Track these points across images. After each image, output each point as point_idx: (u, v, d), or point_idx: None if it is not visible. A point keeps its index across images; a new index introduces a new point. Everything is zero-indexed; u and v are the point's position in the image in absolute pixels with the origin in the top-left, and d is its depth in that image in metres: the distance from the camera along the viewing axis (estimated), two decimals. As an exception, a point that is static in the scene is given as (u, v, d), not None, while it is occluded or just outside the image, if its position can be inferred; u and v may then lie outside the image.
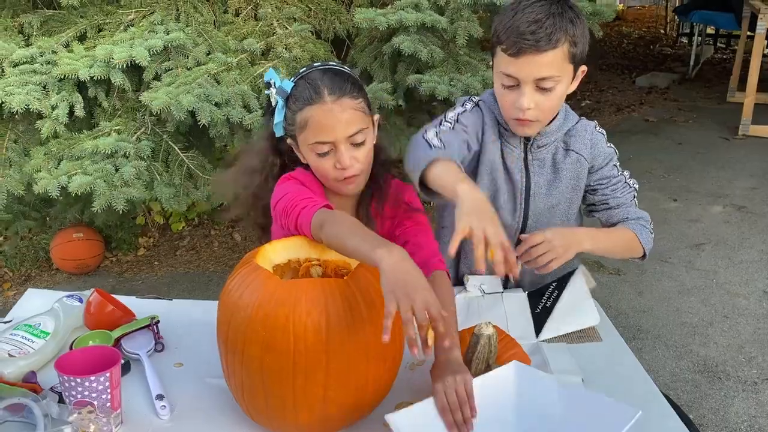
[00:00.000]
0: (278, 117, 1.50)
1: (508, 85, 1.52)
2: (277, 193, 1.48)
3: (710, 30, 8.46)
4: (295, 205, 1.37)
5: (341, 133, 1.44)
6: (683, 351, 2.98)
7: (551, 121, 1.61)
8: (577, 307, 1.54)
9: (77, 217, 3.65)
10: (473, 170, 1.67)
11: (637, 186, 1.71)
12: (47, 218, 3.90)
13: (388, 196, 1.57)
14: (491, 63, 1.59)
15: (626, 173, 1.70)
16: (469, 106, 1.67)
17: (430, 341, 1.09)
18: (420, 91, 2.59)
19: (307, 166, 1.54)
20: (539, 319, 1.52)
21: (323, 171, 1.48)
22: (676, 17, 9.19)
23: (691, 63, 7.63)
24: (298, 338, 1.09)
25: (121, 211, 2.42)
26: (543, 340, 1.49)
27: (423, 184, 1.42)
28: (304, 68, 1.53)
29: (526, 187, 1.67)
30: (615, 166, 1.69)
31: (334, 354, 1.11)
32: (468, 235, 1.16)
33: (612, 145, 1.70)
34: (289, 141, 1.54)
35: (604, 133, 1.69)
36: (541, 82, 1.48)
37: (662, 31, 10.20)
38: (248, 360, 1.12)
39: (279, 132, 1.53)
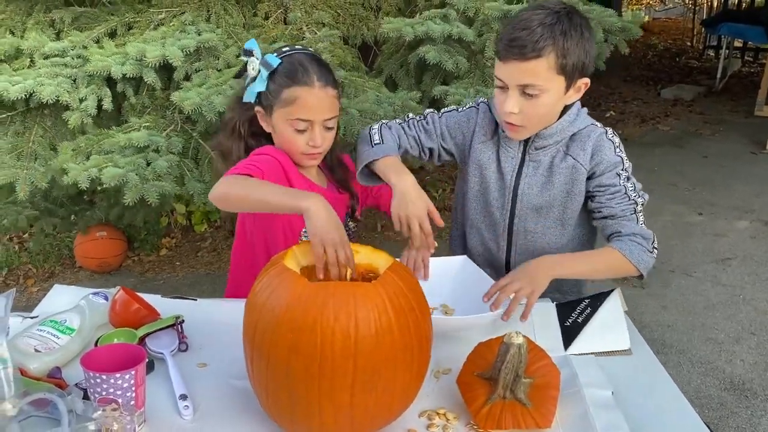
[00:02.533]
0: (258, 86, 1.67)
1: (499, 87, 1.58)
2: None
3: (738, 43, 8.38)
4: (242, 163, 1.59)
5: (321, 116, 1.66)
6: (709, 368, 2.94)
7: (552, 124, 1.62)
8: (610, 328, 1.50)
9: (101, 216, 3.69)
10: (462, 165, 1.78)
11: (642, 200, 1.63)
12: (72, 216, 3.94)
13: (348, 170, 1.84)
14: None
15: (633, 185, 1.64)
16: (466, 107, 1.78)
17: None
18: (446, 103, 2.58)
19: (266, 136, 1.74)
20: (569, 333, 1.49)
21: (294, 143, 1.68)
22: (703, 29, 9.11)
23: (718, 76, 7.56)
24: (326, 342, 1.08)
25: (152, 204, 2.42)
26: (571, 354, 1.46)
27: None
28: (287, 47, 1.71)
29: (515, 185, 1.70)
30: (618, 174, 1.63)
31: (362, 359, 1.09)
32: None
33: (622, 154, 1.65)
34: (257, 109, 1.71)
35: (617, 141, 1.66)
36: (526, 88, 1.52)
37: (689, 44, 10.13)
38: (274, 362, 1.11)
39: (249, 98, 1.69)
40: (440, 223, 1.51)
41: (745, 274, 3.72)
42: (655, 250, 1.61)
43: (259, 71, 1.66)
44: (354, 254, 1.30)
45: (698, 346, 3.09)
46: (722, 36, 7.69)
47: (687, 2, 11.77)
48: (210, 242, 4.37)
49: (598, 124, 1.68)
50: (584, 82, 1.58)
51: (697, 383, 2.83)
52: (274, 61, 1.65)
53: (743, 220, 4.38)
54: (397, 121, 1.75)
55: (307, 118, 1.65)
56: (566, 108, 1.62)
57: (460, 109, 1.77)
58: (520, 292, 1.46)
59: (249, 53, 1.69)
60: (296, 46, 1.73)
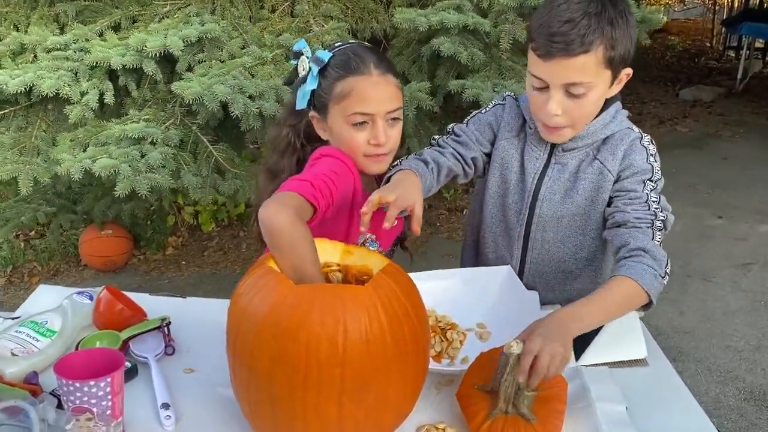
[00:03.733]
0: (310, 85, 1.48)
1: (538, 87, 1.41)
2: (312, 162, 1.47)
3: (759, 44, 8.22)
4: (315, 177, 1.36)
5: (383, 108, 1.45)
6: (728, 376, 2.82)
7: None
8: (625, 336, 1.38)
9: (106, 212, 3.64)
10: (484, 166, 1.61)
11: (663, 217, 1.42)
12: (77, 213, 3.88)
13: None
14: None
15: (657, 198, 1.45)
16: (490, 105, 1.63)
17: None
18: (463, 98, 2.49)
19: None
20: (580, 342, 1.38)
21: (355, 144, 1.47)
22: (723, 29, 8.95)
23: (739, 76, 7.41)
24: (311, 350, 0.99)
25: (144, 197, 2.37)
26: (583, 365, 1.36)
27: None
28: (340, 42, 1.53)
29: (535, 190, 1.56)
30: (643, 182, 1.47)
31: (351, 369, 1.00)
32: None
33: (656, 164, 1.49)
34: (311, 114, 1.52)
35: (652, 150, 1.50)
36: (572, 87, 1.37)
37: (708, 44, 9.97)
38: (256, 371, 1.02)
39: (302, 104, 1.50)
40: (417, 231, 1.30)
41: (766, 279, 3.59)
42: (667, 276, 1.36)
43: (310, 69, 1.48)
44: (347, 255, 1.21)
45: (717, 354, 2.98)
46: (743, 36, 7.55)
47: (707, 2, 11.60)
48: (217, 242, 4.31)
49: (636, 129, 1.54)
50: (627, 73, 1.42)
51: (716, 393, 2.72)
52: (325, 55, 1.47)
53: (764, 224, 4.25)
54: (426, 149, 1.57)
55: (367, 111, 1.44)
56: (605, 104, 1.47)
57: (484, 110, 1.62)
58: (554, 364, 1.14)
59: (298, 54, 1.51)
60: (349, 40, 1.57)
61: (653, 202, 1.45)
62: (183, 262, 4.11)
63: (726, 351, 3.00)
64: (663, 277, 1.35)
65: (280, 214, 1.18)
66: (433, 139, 1.62)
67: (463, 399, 1.18)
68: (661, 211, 1.43)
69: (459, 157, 1.55)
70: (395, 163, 1.50)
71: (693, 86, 7.48)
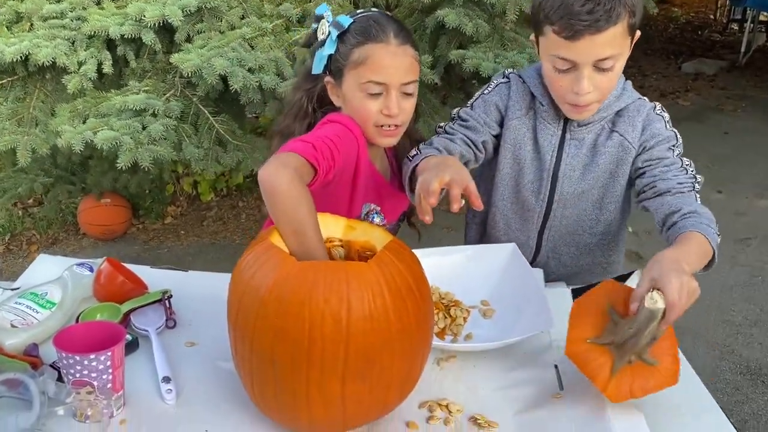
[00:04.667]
0: (328, 49, 1.46)
1: (563, 69, 1.38)
2: (316, 128, 1.45)
3: (763, 17, 8.12)
4: (317, 139, 1.33)
5: (398, 78, 1.42)
6: (725, 351, 2.84)
7: None
8: None
9: (111, 184, 3.63)
10: (495, 148, 1.57)
11: (699, 179, 1.45)
12: (83, 184, 3.86)
13: None
14: (533, 39, 1.45)
15: (689, 163, 1.47)
16: (492, 85, 1.58)
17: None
18: (463, 68, 2.45)
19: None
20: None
21: (367, 113, 1.44)
22: (727, 2, 8.84)
23: (742, 50, 7.33)
24: (314, 327, 0.98)
25: (146, 169, 2.35)
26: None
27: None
28: (361, 9, 1.51)
29: (555, 168, 1.54)
30: (670, 149, 1.48)
31: (354, 346, 0.99)
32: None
33: (675, 130, 1.51)
34: (327, 80, 1.50)
35: (666, 117, 1.52)
36: (601, 62, 1.34)
37: (711, 17, 9.85)
38: (258, 348, 1.02)
39: (319, 68, 1.48)
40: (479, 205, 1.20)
41: (764, 255, 3.60)
42: (718, 237, 1.34)
43: (329, 33, 1.46)
44: (349, 231, 1.20)
45: (714, 329, 2.99)
46: (747, 9, 7.45)
47: (711, -27, 11.44)
48: (216, 211, 4.29)
49: (646, 99, 1.53)
50: (638, 35, 1.40)
51: (712, 367, 2.74)
52: (345, 20, 1.45)
53: (764, 199, 4.24)
54: (435, 137, 1.54)
55: (382, 80, 1.41)
56: None
57: (486, 90, 1.58)
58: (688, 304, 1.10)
59: (319, 18, 1.49)
60: (372, 9, 1.54)
61: (688, 166, 1.46)
62: (182, 232, 4.09)
63: (723, 325, 3.01)
64: (718, 235, 1.34)
65: (279, 173, 1.17)
66: (440, 126, 1.59)
67: (577, 357, 1.15)
68: (694, 172, 1.45)
69: (469, 142, 1.52)
70: (412, 153, 1.47)
71: (695, 59, 7.40)
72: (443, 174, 1.18)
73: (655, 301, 1.09)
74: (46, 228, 4.12)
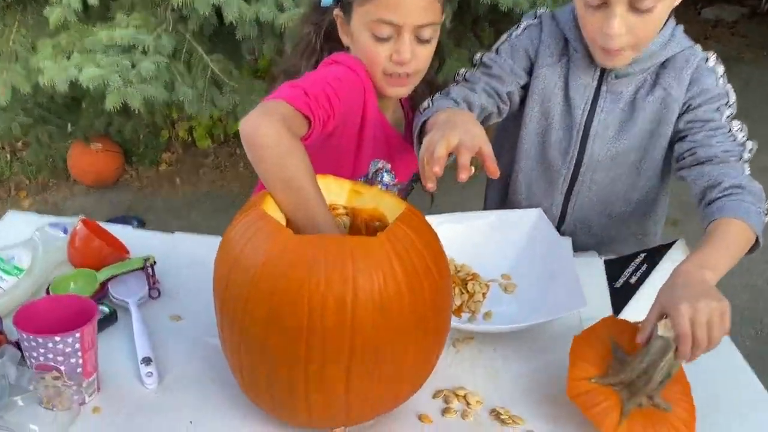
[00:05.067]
0: None
1: (594, 5, 1.19)
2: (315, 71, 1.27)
3: (787, -40, 7.78)
4: (313, 83, 1.15)
5: (412, 19, 1.23)
6: (744, 316, 2.71)
7: None
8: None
9: (104, 128, 3.46)
10: (521, 100, 1.39)
11: (751, 146, 1.26)
12: (68, 126, 3.67)
13: None
14: None
15: (740, 127, 1.29)
16: (521, 27, 1.39)
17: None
18: (480, 1, 2.25)
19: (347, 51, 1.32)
20: (619, 296, 1.23)
21: (374, 58, 1.27)
22: (750, -56, 8.47)
23: (764, -5, 7.04)
24: (314, 314, 0.83)
25: (138, 112, 2.19)
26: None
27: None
28: None
29: (586, 125, 1.36)
30: (718, 110, 1.29)
31: (361, 336, 0.84)
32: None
33: (729, 87, 1.32)
34: (336, 13, 1.31)
35: (720, 71, 1.32)
36: (638, 1, 1.16)
37: (732, -40, 9.48)
38: (249, 336, 0.87)
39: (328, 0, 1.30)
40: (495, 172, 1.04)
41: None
42: (766, 217, 1.19)
43: None
44: (355, 196, 1.03)
45: (737, 293, 2.84)
46: (771, -49, 7.13)
47: None
48: (213, 159, 4.12)
49: (698, 47, 1.34)
50: None
51: (732, 333, 2.59)
52: None
53: (787, 154, 4.06)
54: (453, 86, 1.36)
55: (393, 20, 1.22)
56: None
57: (514, 34, 1.39)
58: (716, 330, 0.95)
59: None
60: None
61: (738, 131, 1.27)
62: (177, 180, 3.93)
63: (745, 289, 2.88)
64: (765, 214, 1.19)
65: (262, 123, 1.01)
66: (458, 73, 1.39)
67: (580, 399, 0.98)
68: (743, 139, 1.26)
69: (492, 92, 1.33)
70: (424, 106, 1.29)
71: (715, 5, 7.12)
72: (451, 135, 1.01)
73: (670, 329, 0.95)
74: (36, 174, 3.96)
